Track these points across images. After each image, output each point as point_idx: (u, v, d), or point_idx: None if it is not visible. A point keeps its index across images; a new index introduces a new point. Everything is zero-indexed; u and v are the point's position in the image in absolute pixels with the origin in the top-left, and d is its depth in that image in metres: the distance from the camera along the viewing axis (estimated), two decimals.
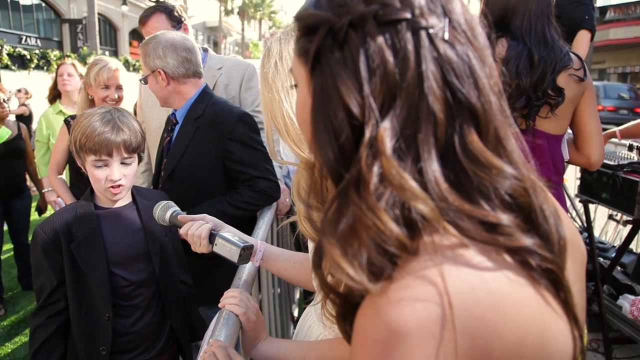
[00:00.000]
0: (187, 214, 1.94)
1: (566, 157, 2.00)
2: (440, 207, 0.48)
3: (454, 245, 0.49)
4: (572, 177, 4.17)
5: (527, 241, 0.50)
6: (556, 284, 0.52)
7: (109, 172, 1.43)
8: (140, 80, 2.01)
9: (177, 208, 1.40)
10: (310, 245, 1.16)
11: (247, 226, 2.00)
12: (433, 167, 0.49)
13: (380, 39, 0.50)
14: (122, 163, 1.46)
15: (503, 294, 0.48)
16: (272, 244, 2.08)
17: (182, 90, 1.98)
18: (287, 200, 2.38)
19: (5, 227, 4.00)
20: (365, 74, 0.50)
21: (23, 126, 4.00)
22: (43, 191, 3.60)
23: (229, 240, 1.20)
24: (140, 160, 1.56)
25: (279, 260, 1.32)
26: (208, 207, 1.94)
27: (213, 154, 1.94)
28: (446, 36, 0.51)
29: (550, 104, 1.78)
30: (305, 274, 1.33)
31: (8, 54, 8.84)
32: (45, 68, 9.39)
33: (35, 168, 3.73)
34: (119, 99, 2.54)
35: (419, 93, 0.49)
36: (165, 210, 1.37)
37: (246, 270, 1.37)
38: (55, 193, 3.39)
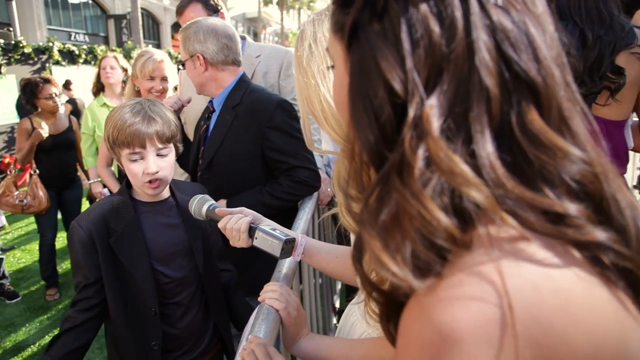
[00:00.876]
0: (227, 204, 1.95)
1: (630, 144, 1.83)
2: (497, 194, 0.42)
3: (513, 238, 0.42)
4: (630, 167, 3.90)
5: (601, 235, 0.43)
6: (636, 286, 0.45)
7: (145, 165, 1.38)
8: (178, 65, 2.00)
9: (213, 201, 1.35)
10: (353, 238, 1.09)
11: (287, 217, 1.96)
12: (487, 149, 0.43)
13: (424, 7, 0.44)
14: (158, 155, 1.40)
15: (573, 295, 0.41)
16: (313, 236, 2.03)
17: (220, 77, 1.94)
18: (329, 190, 2.32)
19: (60, 216, 4.16)
20: (407, 46, 0.44)
21: (73, 119, 4.14)
22: (90, 182, 3.71)
23: (270, 233, 1.15)
24: (177, 151, 1.51)
25: (320, 254, 1.27)
26: (248, 198, 1.91)
27: (252, 142, 1.90)
28: (499, 1, 0.45)
29: (609, 89, 1.61)
30: (349, 269, 1.27)
31: (59, 51, 9.16)
32: (92, 63, 9.66)
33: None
34: (164, 90, 2.56)
35: (469, 66, 0.43)
36: (202, 204, 1.33)
37: (287, 263, 1.33)
38: (100, 184, 3.49)
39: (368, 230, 0.47)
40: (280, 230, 1.19)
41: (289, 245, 1.14)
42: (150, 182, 1.40)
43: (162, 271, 1.48)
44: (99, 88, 3.71)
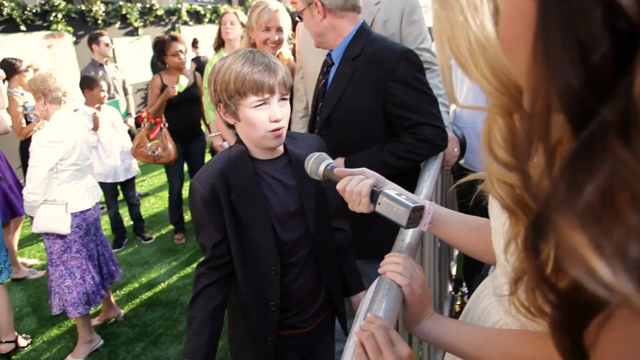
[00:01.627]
0: (345, 163, 1.83)
1: None
2: None
3: None
4: None
5: None
6: None
7: (270, 112, 1.32)
8: (296, 16, 1.89)
9: (331, 160, 1.24)
10: (496, 211, 0.91)
11: (408, 179, 1.81)
12: None
13: None
14: (280, 100, 1.35)
15: None
16: (436, 202, 1.84)
17: (339, 25, 1.80)
18: (456, 149, 2.11)
19: (186, 168, 4.47)
20: None
21: (198, 75, 4.32)
22: (210, 135, 3.87)
23: (396, 199, 1.01)
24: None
25: (450, 225, 1.10)
26: (368, 156, 1.78)
27: (372, 96, 1.75)
28: None
29: None
30: (483, 244, 1.09)
31: (186, 11, 9.70)
32: (216, 22, 10.09)
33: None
34: (280, 42, 2.50)
35: None
36: (319, 162, 1.22)
37: (410, 232, 1.19)
38: (220, 138, 3.61)
39: (563, 216, 0.32)
40: (407, 196, 1.04)
41: (416, 214, 1.00)
42: (273, 130, 1.34)
43: (278, 232, 1.43)
44: (219, 44, 3.78)
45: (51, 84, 2.63)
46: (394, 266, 1.01)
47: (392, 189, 1.11)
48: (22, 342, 3.04)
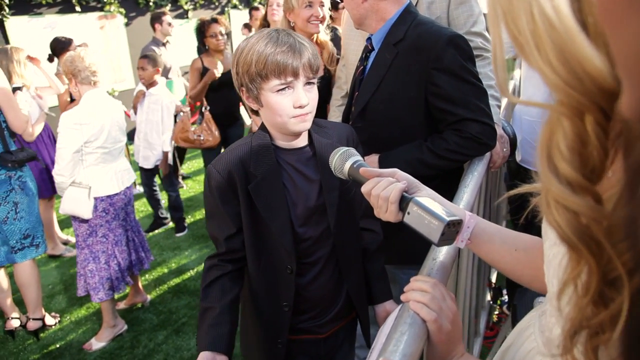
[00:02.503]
0: (380, 160, 1.66)
1: None
2: None
3: None
4: None
5: None
6: None
7: (295, 97, 1.19)
8: None
9: (359, 157, 1.07)
10: (552, 236, 0.71)
11: (448, 182, 1.60)
12: None
13: None
14: (307, 84, 1.21)
15: None
16: (479, 211, 1.61)
17: (381, 7, 1.60)
18: (505, 149, 1.87)
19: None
20: None
21: None
22: (249, 123, 3.76)
23: (428, 209, 0.84)
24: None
25: (493, 243, 0.91)
26: (405, 153, 1.59)
27: (414, 86, 1.55)
28: None
29: None
30: (532, 269, 0.90)
31: None
32: (264, 5, 10.02)
33: None
34: (324, 18, 2.35)
35: None
36: (345, 159, 1.06)
37: (445, 247, 1.00)
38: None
39: None
40: (443, 206, 0.86)
41: (452, 229, 0.82)
42: (298, 115, 1.21)
43: (296, 228, 1.30)
44: (265, 26, 3.66)
45: (79, 63, 2.56)
46: (420, 295, 0.82)
47: (426, 196, 0.92)
48: (50, 320, 3.07)
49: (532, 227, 0.94)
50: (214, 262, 1.32)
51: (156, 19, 5.14)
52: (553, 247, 0.70)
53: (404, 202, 0.90)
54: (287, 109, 1.19)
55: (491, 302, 2.87)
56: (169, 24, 5.13)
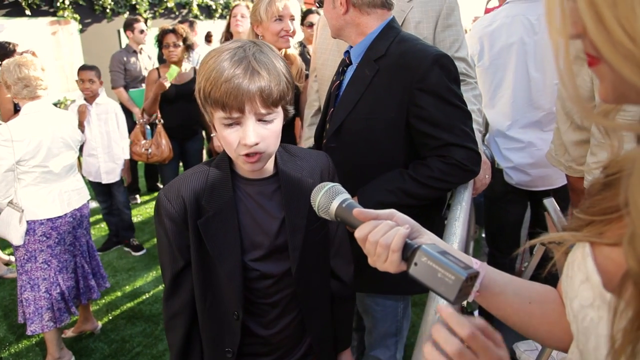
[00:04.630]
0: (358, 194, 1.49)
1: None
2: None
3: None
4: None
5: None
6: None
7: (242, 134, 1.00)
8: (315, 1, 1.60)
9: (347, 195, 0.91)
10: (587, 293, 0.61)
11: (428, 210, 1.50)
12: None
13: None
14: (260, 120, 1.01)
15: None
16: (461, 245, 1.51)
17: (363, 22, 1.51)
18: (487, 176, 1.81)
19: (182, 167, 4.18)
20: None
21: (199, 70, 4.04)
22: (212, 135, 3.58)
23: (442, 261, 0.71)
24: (286, 116, 1.09)
25: (505, 295, 0.80)
26: (386, 183, 1.48)
27: (395, 107, 1.45)
28: None
29: None
30: (548, 324, 0.79)
31: (197, 5, 9.46)
32: (227, 17, 9.89)
33: None
34: (294, 32, 2.24)
35: None
36: (331, 197, 0.90)
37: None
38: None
39: None
40: (453, 255, 0.74)
41: (469, 284, 0.70)
42: (247, 155, 1.03)
43: (254, 266, 1.15)
44: (227, 37, 3.51)
45: (10, 76, 2.32)
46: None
47: (429, 241, 0.80)
48: None
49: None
50: (172, 313, 1.19)
51: (128, 26, 4.92)
52: (587, 309, 0.61)
53: (408, 250, 0.77)
54: (233, 145, 1.02)
55: None
56: (141, 31, 4.91)
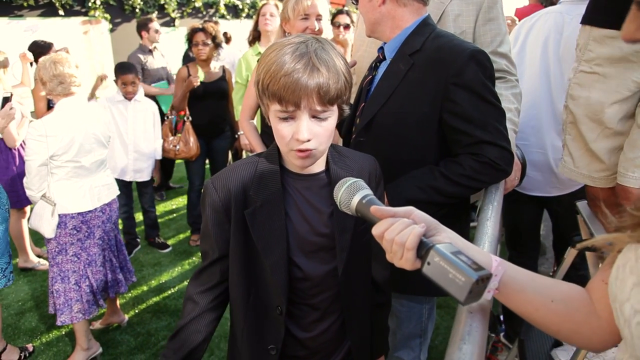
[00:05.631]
0: (388, 190, 1.46)
1: None
2: None
3: None
4: None
5: None
6: None
7: (295, 129, 1.00)
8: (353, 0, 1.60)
9: (369, 191, 0.91)
10: (630, 280, 0.59)
11: (457, 210, 1.47)
12: None
13: None
14: (314, 117, 1.00)
15: None
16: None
17: (399, 15, 1.48)
18: (517, 178, 1.77)
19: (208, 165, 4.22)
20: None
21: (228, 69, 4.07)
22: (238, 134, 3.61)
23: (453, 262, 0.71)
24: (341, 115, 1.08)
25: (525, 293, 0.79)
26: (416, 179, 1.46)
27: (428, 102, 1.43)
28: None
29: None
30: (572, 323, 0.78)
31: (225, 5, 9.56)
32: (253, 17, 9.99)
33: (233, 110, 3.76)
34: (319, 32, 2.24)
35: None
36: (352, 193, 0.91)
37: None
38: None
39: None
40: (467, 255, 0.73)
41: (480, 285, 0.70)
42: (299, 150, 1.02)
43: (298, 264, 1.13)
44: (255, 37, 3.53)
45: (46, 73, 2.37)
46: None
47: (447, 240, 0.80)
48: (12, 355, 2.71)
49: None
50: (192, 292, 1.19)
51: (142, 26, 5.01)
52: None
53: (423, 249, 0.77)
54: (285, 139, 1.02)
55: (488, 332, 2.76)
56: (156, 31, 5.00)
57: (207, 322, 1.18)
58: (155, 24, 5.00)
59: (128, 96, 3.60)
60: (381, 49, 1.58)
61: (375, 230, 0.84)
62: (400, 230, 0.79)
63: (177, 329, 1.17)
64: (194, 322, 1.16)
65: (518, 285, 0.79)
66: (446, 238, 0.81)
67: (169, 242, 4.24)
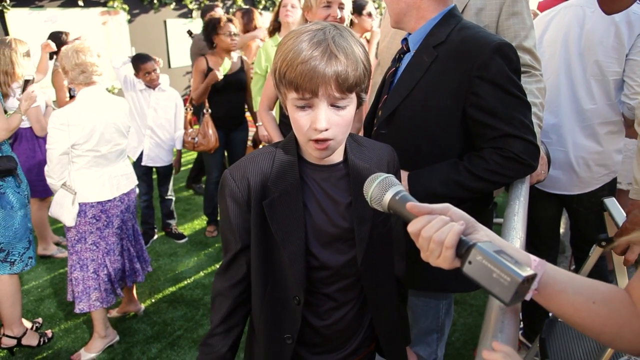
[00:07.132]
0: (409, 178, 1.45)
1: None
2: None
3: None
4: None
5: None
6: None
7: (313, 118, 0.98)
8: None
9: (401, 187, 0.88)
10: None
11: (479, 205, 1.44)
12: None
13: None
14: (333, 106, 0.98)
15: None
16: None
17: (424, 5, 1.45)
18: (543, 172, 1.73)
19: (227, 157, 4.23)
20: None
21: (246, 60, 4.06)
22: (257, 125, 3.61)
23: (498, 261, 0.68)
24: (360, 103, 1.05)
25: (566, 294, 0.76)
26: (439, 172, 1.43)
27: (452, 94, 1.40)
28: None
29: None
30: (614, 325, 0.75)
31: None
32: (270, 9, 9.99)
33: (252, 101, 3.75)
34: (341, 20, 2.23)
35: None
36: (384, 189, 0.88)
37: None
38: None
39: None
40: (509, 254, 0.71)
41: (526, 286, 0.67)
42: (316, 140, 1.00)
43: (315, 254, 1.12)
44: (275, 27, 3.51)
45: (74, 59, 2.38)
46: None
47: (485, 238, 0.78)
48: (31, 340, 2.76)
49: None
50: (221, 288, 1.19)
51: (206, 13, 4.94)
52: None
53: (462, 247, 0.75)
54: (303, 129, 1.00)
55: None
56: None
57: (242, 315, 1.21)
58: (219, 10, 4.91)
59: (153, 84, 3.63)
60: (405, 40, 1.56)
61: (412, 228, 0.80)
62: (438, 227, 0.76)
63: (217, 324, 1.19)
64: (231, 316, 1.19)
65: (558, 286, 0.77)
66: (485, 236, 0.79)
67: (185, 232, 4.27)
